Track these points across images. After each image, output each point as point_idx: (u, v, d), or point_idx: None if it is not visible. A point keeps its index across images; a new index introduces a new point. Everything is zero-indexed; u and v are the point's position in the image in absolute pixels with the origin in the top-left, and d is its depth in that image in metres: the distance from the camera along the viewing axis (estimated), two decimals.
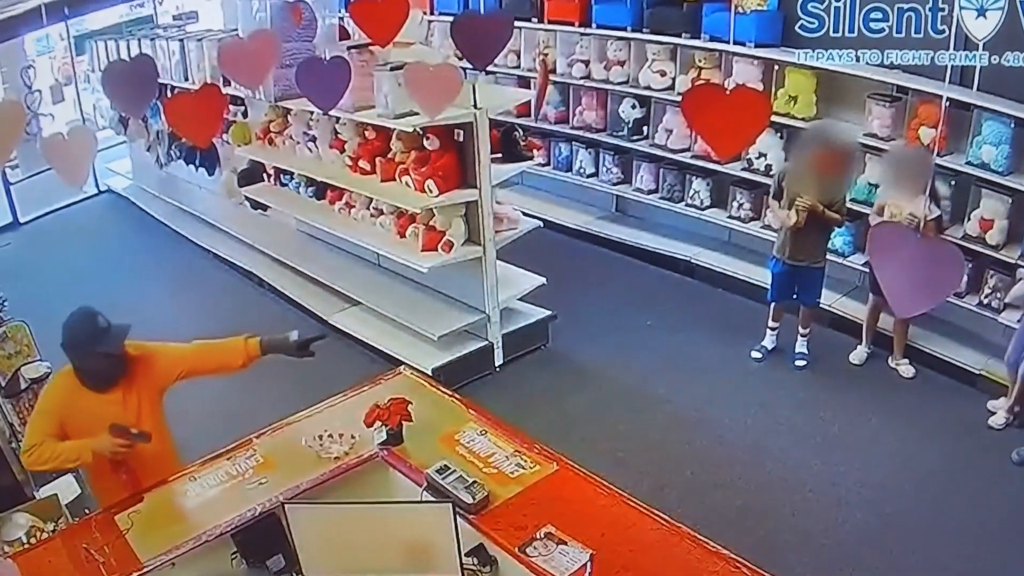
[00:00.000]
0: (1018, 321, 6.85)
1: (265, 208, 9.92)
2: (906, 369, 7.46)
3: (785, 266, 7.36)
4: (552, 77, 9.72)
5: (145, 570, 3.94)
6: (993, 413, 6.79)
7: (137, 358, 4.63)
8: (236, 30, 8.87)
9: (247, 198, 9.90)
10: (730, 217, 8.96)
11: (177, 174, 11.58)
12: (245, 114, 9.66)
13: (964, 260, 3.85)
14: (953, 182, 7.24)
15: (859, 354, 7.64)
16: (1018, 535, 5.76)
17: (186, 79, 9.92)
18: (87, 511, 4.82)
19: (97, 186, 13.14)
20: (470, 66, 5.23)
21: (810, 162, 7.04)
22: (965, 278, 7.06)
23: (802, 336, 7.67)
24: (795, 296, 7.56)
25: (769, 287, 7.66)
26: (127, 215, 12.35)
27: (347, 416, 4.85)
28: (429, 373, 6.98)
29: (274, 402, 5.85)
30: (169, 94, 9.84)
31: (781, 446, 6.67)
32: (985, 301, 7.23)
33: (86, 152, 4.86)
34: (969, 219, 7.19)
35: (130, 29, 12.20)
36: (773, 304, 7.70)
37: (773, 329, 7.77)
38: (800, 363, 7.62)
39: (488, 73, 9.81)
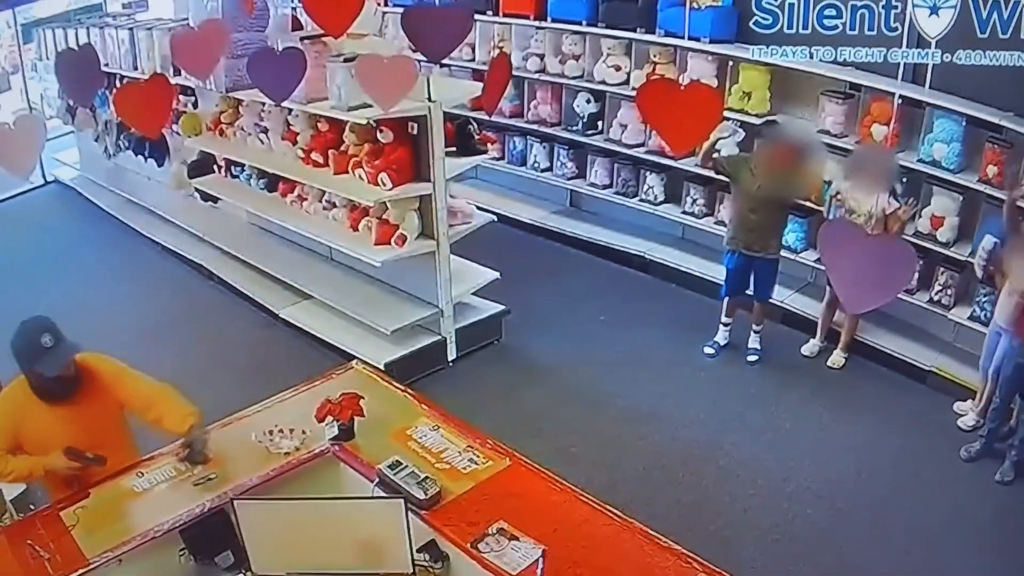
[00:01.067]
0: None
1: (215, 200, 9.84)
2: (836, 359, 7.60)
3: (740, 259, 7.43)
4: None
5: (91, 567, 3.90)
6: (960, 415, 6.88)
7: (100, 373, 4.53)
8: (187, 19, 8.78)
9: (197, 190, 9.80)
10: (684, 213, 9.02)
11: (126, 165, 11.42)
12: (196, 104, 9.57)
13: (916, 256, 3.88)
14: (905, 179, 7.32)
15: (811, 347, 7.73)
16: (967, 531, 5.85)
17: (135, 68, 9.81)
18: (32, 507, 4.76)
19: (44, 176, 12.92)
20: (425, 58, 5.21)
21: (768, 156, 7.16)
22: (916, 275, 7.15)
23: (755, 332, 7.73)
24: (748, 291, 7.64)
25: (723, 283, 7.74)
26: (74, 206, 12.17)
27: (298, 411, 4.84)
28: (381, 368, 6.89)
29: (223, 396, 5.79)
30: (118, 83, 9.82)
31: (733, 441, 6.72)
32: (935, 298, 7.33)
33: (34, 142, 4.76)
34: (920, 216, 7.28)
35: (79, 17, 12.03)
36: (726, 300, 7.75)
37: (726, 325, 7.82)
38: (752, 359, 7.69)
39: (442, 66, 9.80)
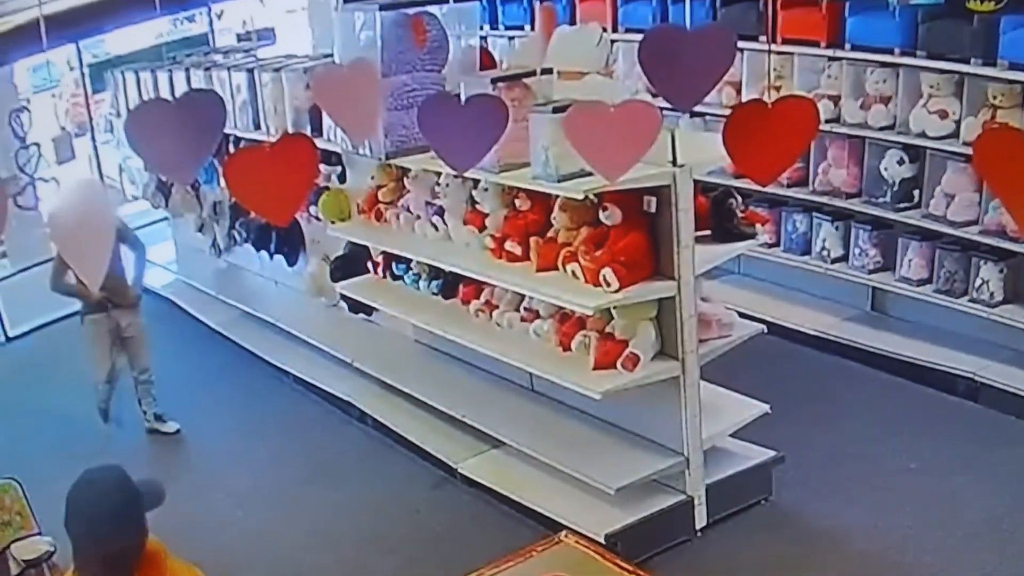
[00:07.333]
0: None
1: (370, 311, 10.28)
2: None
3: None
4: None
5: None
6: None
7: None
8: (331, 55, 9.26)
9: (344, 297, 10.19)
10: None
11: (242, 264, 12.09)
12: (342, 177, 10.03)
13: None
14: None
15: None
16: None
17: (257, 127, 10.33)
18: None
19: None
20: (668, 105, 5.37)
21: None
22: None
23: None
24: None
25: None
26: (166, 323, 12.60)
27: None
28: (602, 541, 7.13)
29: None
30: (232, 148, 10.31)
31: None
32: None
33: (101, 231, 4.72)
34: None
35: (173, 54, 12.58)
36: None
37: None
38: None
39: (694, 115, 10.10)
